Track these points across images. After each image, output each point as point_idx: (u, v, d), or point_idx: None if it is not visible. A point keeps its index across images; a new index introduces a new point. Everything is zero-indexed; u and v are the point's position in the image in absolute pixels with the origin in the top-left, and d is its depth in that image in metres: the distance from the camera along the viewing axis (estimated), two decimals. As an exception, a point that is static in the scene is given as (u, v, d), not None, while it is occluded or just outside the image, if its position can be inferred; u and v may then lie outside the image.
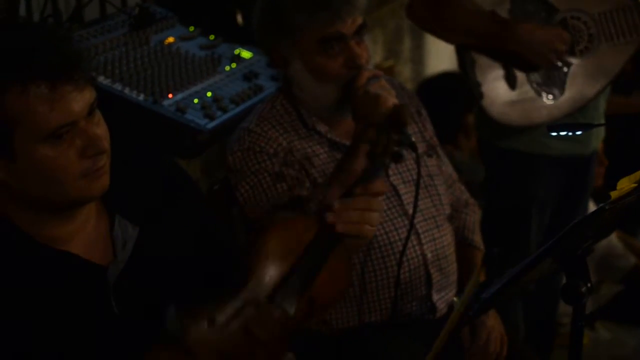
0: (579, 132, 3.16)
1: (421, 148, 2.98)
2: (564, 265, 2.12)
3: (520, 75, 3.43)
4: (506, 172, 3.63)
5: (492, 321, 2.93)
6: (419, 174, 2.75)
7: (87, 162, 1.91)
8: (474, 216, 3.17)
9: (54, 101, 1.85)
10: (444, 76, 5.16)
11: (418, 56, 5.97)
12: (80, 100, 1.89)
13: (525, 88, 3.43)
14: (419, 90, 5.27)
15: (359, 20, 2.78)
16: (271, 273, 2.19)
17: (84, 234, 2.01)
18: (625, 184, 2.06)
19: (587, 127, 3.18)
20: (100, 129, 1.94)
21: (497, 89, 3.43)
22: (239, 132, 2.86)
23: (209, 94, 3.22)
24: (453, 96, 4.60)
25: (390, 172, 2.90)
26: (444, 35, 3.56)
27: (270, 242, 2.24)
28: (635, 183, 2.07)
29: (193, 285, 2.13)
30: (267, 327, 2.13)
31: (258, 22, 2.87)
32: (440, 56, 5.79)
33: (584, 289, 2.07)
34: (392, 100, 2.73)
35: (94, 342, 1.96)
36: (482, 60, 3.43)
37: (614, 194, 2.05)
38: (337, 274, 2.28)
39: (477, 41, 3.41)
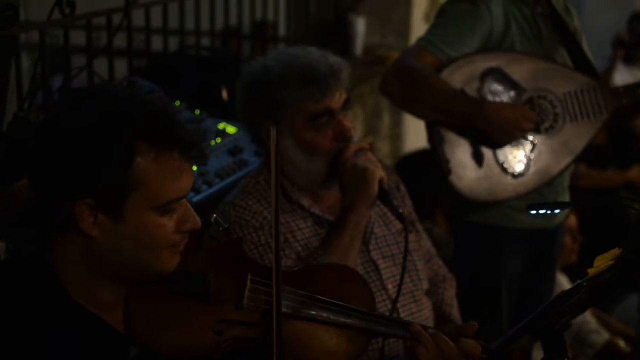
0: (557, 211, 3.22)
1: (400, 224, 3.00)
2: (542, 340, 2.16)
3: (487, 153, 3.51)
4: (475, 246, 3.71)
5: None
6: (406, 249, 2.75)
7: (178, 236, 1.96)
8: (452, 291, 3.19)
9: (180, 174, 1.94)
10: (422, 153, 5.19)
11: (397, 133, 6.01)
12: (192, 177, 1.98)
13: (491, 165, 3.51)
14: (397, 166, 5.32)
15: (345, 95, 2.83)
16: None
17: (121, 308, 2.02)
18: (602, 262, 2.11)
19: (565, 206, 3.25)
20: None
21: (464, 166, 3.51)
22: (224, 207, 2.86)
23: (194, 167, 3.18)
24: (431, 172, 4.65)
25: (371, 247, 2.93)
26: (415, 111, 3.65)
27: None
28: (611, 261, 2.12)
29: None
30: None
31: (243, 103, 2.89)
32: (419, 133, 5.83)
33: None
34: (379, 172, 2.78)
35: None
36: (451, 138, 3.51)
37: (591, 271, 2.10)
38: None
39: (447, 118, 3.49)
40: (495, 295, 3.66)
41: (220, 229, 2.09)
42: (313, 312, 2.15)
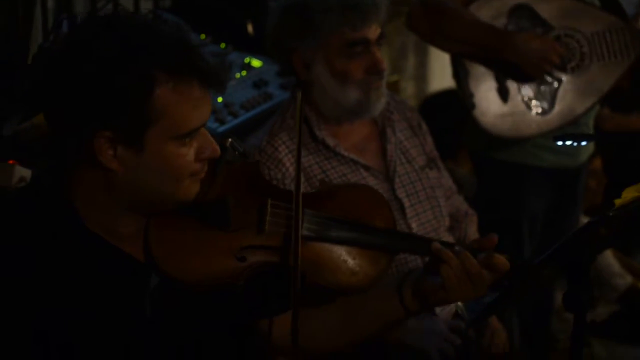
0: (583, 143, 3.20)
1: (422, 161, 3.03)
2: (567, 272, 2.14)
3: (512, 89, 3.50)
4: (497, 183, 3.69)
5: (497, 324, 2.93)
6: None
7: (198, 165, 1.93)
8: (473, 226, 3.19)
9: (199, 103, 1.88)
10: (447, 93, 5.18)
11: (422, 73, 5.99)
12: (210, 105, 1.93)
13: (516, 101, 3.49)
14: (422, 106, 5.30)
15: (379, 30, 2.83)
16: None
17: (141, 238, 1.98)
18: (630, 193, 2.09)
19: (590, 138, 3.22)
20: None
21: (489, 100, 3.49)
22: (251, 150, 2.84)
23: (219, 99, 3.24)
24: (455, 112, 4.63)
25: (395, 186, 2.92)
26: (442, 44, 3.62)
27: None
28: (638, 192, 2.10)
29: (233, 304, 2.09)
30: None
31: (278, 25, 2.88)
32: (444, 74, 5.79)
33: (586, 296, 2.10)
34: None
35: (118, 337, 1.93)
36: (475, 71, 3.50)
37: (618, 202, 2.08)
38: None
39: (474, 50, 3.47)
40: (517, 233, 3.65)
41: (236, 152, 2.04)
42: (334, 233, 2.11)
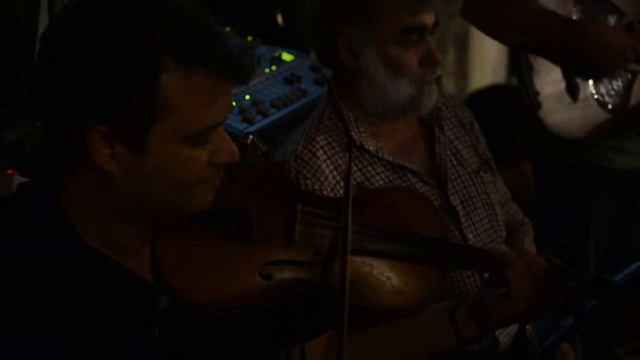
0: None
1: (475, 163, 2.87)
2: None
3: (581, 85, 3.30)
4: (563, 189, 3.51)
5: (566, 346, 2.72)
6: None
7: (212, 170, 1.69)
8: (530, 236, 3.01)
9: (215, 97, 1.64)
10: (492, 89, 5.10)
11: (462, 70, 5.96)
12: (230, 100, 1.70)
13: (587, 98, 3.29)
14: (466, 103, 5.14)
15: (434, 16, 2.68)
16: None
17: (146, 253, 1.77)
18: None
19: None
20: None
21: (556, 99, 3.30)
22: (284, 155, 2.67)
23: (247, 97, 3.17)
24: (502, 110, 4.47)
25: (448, 192, 2.75)
26: (502, 35, 3.43)
27: None
28: None
29: (256, 328, 1.89)
30: None
31: (325, 4, 2.70)
32: (484, 71, 5.65)
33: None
34: None
35: None
36: (540, 67, 3.30)
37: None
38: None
39: (538, 42, 3.28)
40: (582, 243, 3.46)
41: (259, 152, 1.81)
42: (375, 245, 1.91)
